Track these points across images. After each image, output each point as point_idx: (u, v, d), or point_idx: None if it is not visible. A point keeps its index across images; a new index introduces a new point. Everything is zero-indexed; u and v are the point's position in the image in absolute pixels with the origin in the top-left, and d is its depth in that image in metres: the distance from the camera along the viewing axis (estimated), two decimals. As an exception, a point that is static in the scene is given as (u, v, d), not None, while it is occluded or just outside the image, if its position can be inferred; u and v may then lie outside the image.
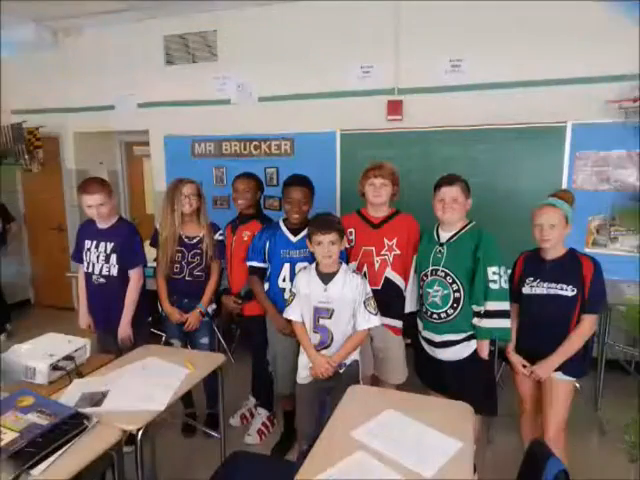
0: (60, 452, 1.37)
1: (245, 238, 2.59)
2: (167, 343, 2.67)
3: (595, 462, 2.44)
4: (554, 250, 1.99)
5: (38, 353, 1.88)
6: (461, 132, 3.46)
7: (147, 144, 4.57)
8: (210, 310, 2.64)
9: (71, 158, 4.84)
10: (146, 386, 1.80)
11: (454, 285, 2.06)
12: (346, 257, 2.31)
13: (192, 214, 2.55)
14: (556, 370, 1.96)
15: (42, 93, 4.75)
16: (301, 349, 2.13)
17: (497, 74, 3.45)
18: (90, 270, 2.50)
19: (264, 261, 2.43)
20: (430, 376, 2.23)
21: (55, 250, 5.05)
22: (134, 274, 2.50)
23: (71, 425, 1.46)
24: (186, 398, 2.64)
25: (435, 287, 2.10)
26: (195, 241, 2.56)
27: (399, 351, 2.37)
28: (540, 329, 2.00)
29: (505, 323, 1.99)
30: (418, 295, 2.23)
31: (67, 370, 1.87)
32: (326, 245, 1.98)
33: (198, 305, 2.56)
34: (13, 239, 4.64)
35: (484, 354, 2.07)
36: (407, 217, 2.35)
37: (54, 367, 1.85)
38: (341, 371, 2.06)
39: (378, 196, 2.27)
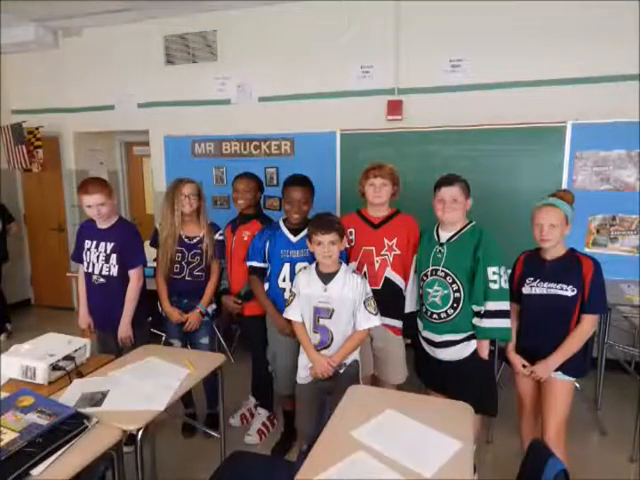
0: (60, 452, 1.36)
1: (245, 238, 2.59)
2: (167, 343, 2.67)
3: (595, 462, 2.43)
4: (554, 250, 1.98)
5: (38, 353, 1.88)
6: (461, 132, 3.46)
7: (147, 144, 4.57)
8: (210, 310, 2.64)
9: (71, 158, 4.85)
10: (146, 386, 1.80)
11: (454, 285, 2.06)
12: (346, 257, 2.31)
13: (192, 214, 2.55)
14: (556, 370, 1.96)
15: (42, 93, 4.75)
16: (301, 349, 2.13)
17: (497, 74, 3.45)
18: (90, 270, 2.49)
19: (264, 261, 2.43)
20: (430, 376, 2.23)
21: (55, 250, 5.06)
22: (134, 274, 2.50)
23: (71, 425, 1.45)
24: (186, 398, 2.64)
25: (435, 287, 2.10)
26: (195, 241, 2.56)
27: (399, 351, 2.37)
28: (540, 329, 2.00)
29: (505, 323, 1.99)
30: (418, 295, 2.23)
31: (67, 370, 1.87)
32: (326, 245, 1.98)
33: (198, 305, 2.56)
34: (13, 239, 4.64)
35: (484, 354, 2.07)
36: (407, 217, 2.34)
37: (54, 367, 1.84)
38: (341, 371, 2.06)
39: (378, 196, 2.27)
